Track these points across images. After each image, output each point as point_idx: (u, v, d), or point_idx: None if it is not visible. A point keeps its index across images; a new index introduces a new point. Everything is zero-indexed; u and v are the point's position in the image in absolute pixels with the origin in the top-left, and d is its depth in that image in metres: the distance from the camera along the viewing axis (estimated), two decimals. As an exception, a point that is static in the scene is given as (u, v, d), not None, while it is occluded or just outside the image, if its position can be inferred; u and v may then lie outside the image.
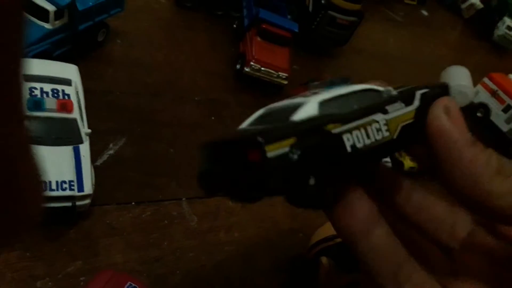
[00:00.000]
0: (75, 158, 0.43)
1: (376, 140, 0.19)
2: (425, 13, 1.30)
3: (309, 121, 0.18)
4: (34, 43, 0.51)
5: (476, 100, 0.94)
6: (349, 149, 0.18)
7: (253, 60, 0.69)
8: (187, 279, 0.45)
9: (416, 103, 0.21)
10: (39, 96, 0.43)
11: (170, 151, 0.56)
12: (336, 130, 0.17)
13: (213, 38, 0.77)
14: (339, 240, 0.46)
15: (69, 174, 0.42)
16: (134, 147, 0.53)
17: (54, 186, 0.40)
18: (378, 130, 0.19)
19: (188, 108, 0.63)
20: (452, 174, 0.19)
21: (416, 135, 0.21)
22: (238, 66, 0.72)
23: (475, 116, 0.94)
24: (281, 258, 0.51)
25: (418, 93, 0.21)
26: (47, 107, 0.43)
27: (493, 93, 0.91)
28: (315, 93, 0.19)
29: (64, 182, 0.41)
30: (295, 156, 0.16)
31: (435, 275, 0.20)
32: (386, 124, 0.19)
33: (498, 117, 0.90)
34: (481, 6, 1.33)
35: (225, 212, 0.53)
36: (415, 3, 1.28)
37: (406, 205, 0.23)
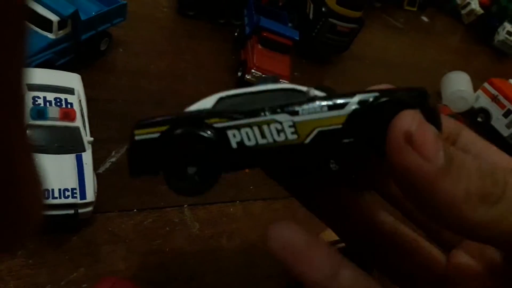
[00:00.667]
0: (78, 166, 0.43)
1: (275, 141, 0.18)
2: (425, 19, 1.30)
3: (194, 113, 0.19)
4: (38, 53, 0.51)
5: (476, 105, 0.95)
6: (234, 145, 0.18)
7: (254, 68, 0.70)
8: (189, 286, 0.46)
9: (350, 108, 0.18)
10: (42, 105, 0.43)
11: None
12: (220, 124, 0.18)
13: (215, 46, 0.77)
14: (341, 245, 0.46)
15: (71, 182, 0.42)
16: (136, 155, 0.54)
17: (56, 194, 0.41)
18: (280, 131, 0.18)
19: (190, 116, 0.63)
20: (427, 207, 0.16)
21: (353, 146, 0.19)
22: (239, 74, 0.73)
23: (476, 121, 0.94)
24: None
25: (357, 98, 0.19)
26: (50, 116, 0.43)
27: (494, 98, 0.92)
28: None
29: (67, 189, 0.41)
30: (162, 142, 0.18)
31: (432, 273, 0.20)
32: (292, 126, 0.18)
33: (498, 122, 0.91)
34: (481, 11, 1.33)
35: (227, 219, 0.53)
36: (415, 9, 1.29)
37: (406, 203, 0.22)
